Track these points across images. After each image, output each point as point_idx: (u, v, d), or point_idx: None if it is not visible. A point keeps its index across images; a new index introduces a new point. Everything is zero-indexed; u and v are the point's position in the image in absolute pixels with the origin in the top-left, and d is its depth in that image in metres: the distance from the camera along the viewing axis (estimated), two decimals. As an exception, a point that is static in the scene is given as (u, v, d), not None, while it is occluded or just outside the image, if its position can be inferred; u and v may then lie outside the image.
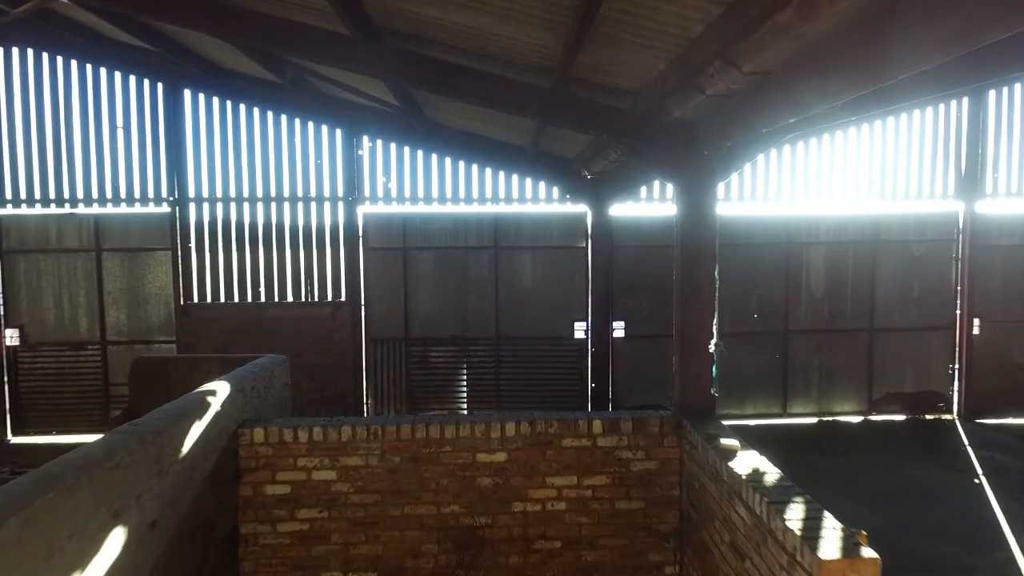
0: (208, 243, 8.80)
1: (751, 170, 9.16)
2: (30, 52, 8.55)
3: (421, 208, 8.95)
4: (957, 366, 9.20)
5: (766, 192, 9.15)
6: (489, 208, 8.97)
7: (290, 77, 7.25)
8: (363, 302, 8.90)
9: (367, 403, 8.98)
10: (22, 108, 8.59)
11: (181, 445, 3.68)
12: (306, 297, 8.88)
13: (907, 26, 2.30)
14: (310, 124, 8.80)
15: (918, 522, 5.86)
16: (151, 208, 8.79)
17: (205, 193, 8.79)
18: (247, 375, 4.80)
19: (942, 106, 9.10)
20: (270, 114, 8.76)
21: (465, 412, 9.01)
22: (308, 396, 8.80)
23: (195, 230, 8.80)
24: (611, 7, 3.44)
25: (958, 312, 9.16)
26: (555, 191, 8.99)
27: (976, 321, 9.11)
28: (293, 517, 4.49)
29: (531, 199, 9.02)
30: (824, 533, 2.80)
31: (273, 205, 8.83)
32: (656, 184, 9.00)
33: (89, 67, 8.60)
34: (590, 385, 8.98)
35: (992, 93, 9.07)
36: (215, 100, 8.73)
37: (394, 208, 8.94)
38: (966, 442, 8.24)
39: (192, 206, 8.79)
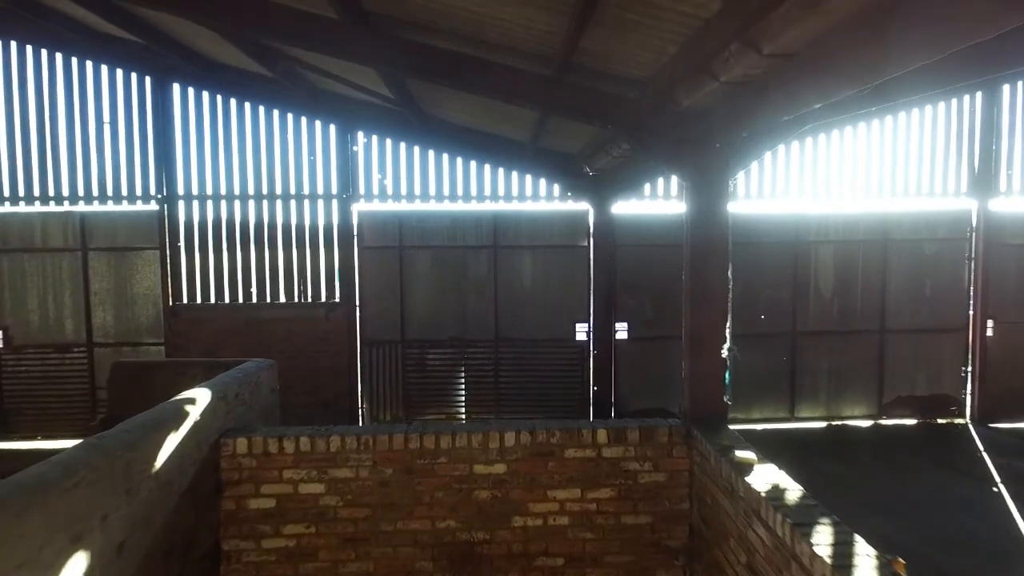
0: (198, 242, 8.52)
1: (758, 167, 8.90)
2: (13, 45, 8.27)
3: (418, 206, 8.68)
4: (970, 369, 8.93)
5: (773, 190, 8.88)
6: (488, 206, 8.70)
7: (281, 70, 6.98)
8: (358, 303, 8.63)
9: (362, 407, 8.71)
10: (5, 103, 8.31)
11: (154, 459, 3.41)
12: (299, 298, 8.61)
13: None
14: (303, 119, 8.53)
15: (937, 533, 5.59)
16: (139, 206, 8.51)
17: (195, 190, 8.51)
18: (230, 381, 4.52)
19: (954, 101, 8.83)
20: (262, 109, 8.49)
21: (463, 416, 8.74)
22: (302, 400, 8.52)
23: (184, 228, 8.52)
24: (619, -16, 3.18)
25: (971, 313, 8.90)
26: (556, 188, 8.72)
27: (990, 322, 8.85)
28: (278, 533, 4.22)
29: (531, 197, 8.75)
30: (857, 561, 2.53)
31: (265, 203, 8.55)
32: (660, 181, 8.73)
33: (75, 60, 8.32)
34: (592, 389, 8.71)
35: (1007, 88, 8.80)
36: (205, 94, 8.46)
37: (390, 206, 8.67)
38: (981, 447, 7.97)
39: (181, 204, 8.51)
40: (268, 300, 8.57)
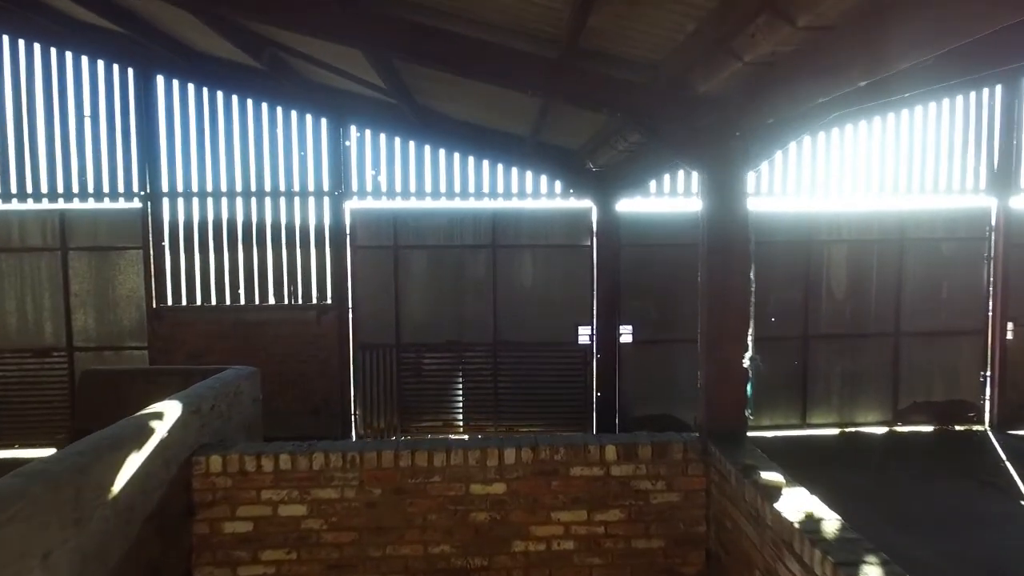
0: (183, 241, 8.15)
1: (768, 162, 8.53)
2: (-11, 34, 7.90)
3: (413, 204, 8.31)
4: (989, 373, 8.57)
5: (784, 187, 8.52)
6: (486, 204, 8.33)
7: (268, 59, 6.61)
8: (351, 305, 8.25)
9: (355, 413, 8.34)
10: (-20, 95, 7.94)
11: (110, 483, 3.04)
12: (289, 300, 8.23)
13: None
14: (293, 113, 8.16)
15: (968, 552, 5.23)
16: (121, 203, 8.13)
17: (179, 187, 8.14)
18: (205, 392, 4.15)
19: (973, 94, 8.47)
20: (250, 102, 8.11)
21: (461, 423, 8.37)
22: (292, 406, 8.16)
23: (169, 227, 8.14)
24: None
25: (990, 315, 8.53)
26: (557, 185, 8.35)
27: (1010, 325, 8.49)
28: (256, 559, 3.85)
29: (531, 194, 8.38)
30: (917, 612, 2.16)
31: (253, 200, 8.18)
32: (667, 178, 8.37)
33: (53, 51, 7.94)
34: (595, 394, 8.34)
35: (1027, 80, 8.45)
36: (190, 87, 8.08)
37: (384, 204, 8.30)
38: (1003, 456, 7.62)
39: (165, 201, 8.14)
40: (257, 302, 8.20)
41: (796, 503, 3.02)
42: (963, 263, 8.48)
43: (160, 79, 8.07)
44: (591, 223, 8.27)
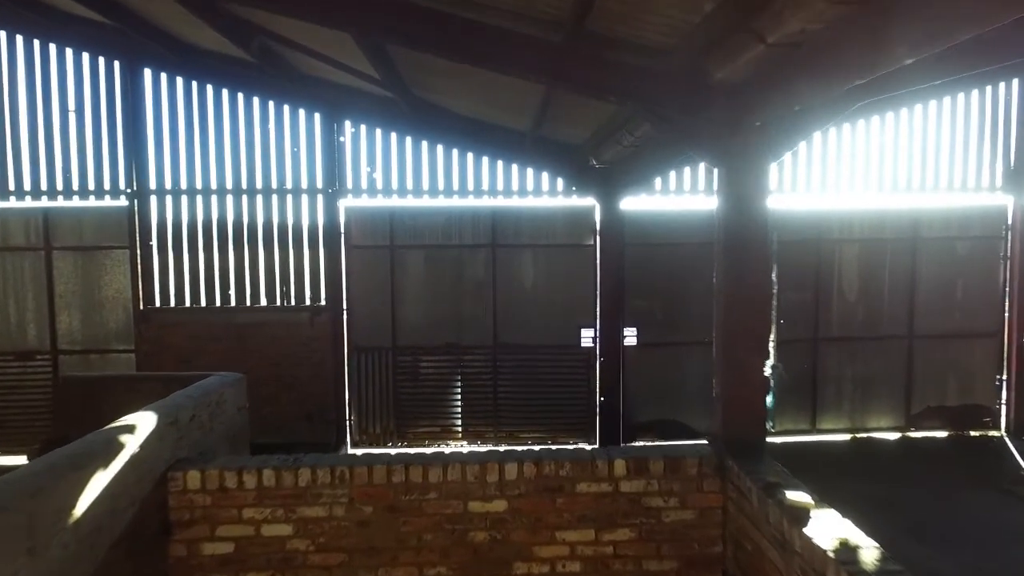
0: (171, 240, 7.86)
1: (777, 159, 8.23)
2: (-31, 26, 7.61)
3: (410, 201, 8.02)
4: (1005, 377, 8.29)
5: (794, 184, 8.24)
6: (486, 202, 8.04)
7: (258, 50, 6.33)
8: (345, 306, 7.97)
9: (350, 419, 8.05)
10: (-40, 88, 7.65)
11: (71, 506, 2.75)
12: (282, 301, 7.95)
13: None
14: (285, 108, 7.87)
15: (993, 566, 4.95)
16: (107, 201, 7.84)
17: (168, 184, 7.85)
18: (184, 402, 3.87)
19: (989, 88, 8.19)
20: (240, 96, 7.82)
21: (459, 429, 8.08)
22: (284, 411, 7.87)
23: (156, 226, 7.85)
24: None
25: (1007, 317, 8.25)
26: (559, 182, 8.07)
27: (1027, 327, 8.22)
28: (237, 583, 3.56)
29: (532, 191, 8.09)
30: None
31: (244, 198, 7.89)
32: (672, 175, 8.08)
33: (36, 43, 7.66)
34: (598, 399, 8.06)
35: (1045, 74, 8.16)
36: (179, 80, 7.79)
37: (380, 201, 8.01)
38: (1022, 463, 7.34)
39: (153, 199, 7.85)
40: (248, 303, 7.91)
41: (828, 528, 2.74)
42: (978, 263, 8.21)
43: (148, 72, 7.78)
44: (594, 221, 7.99)
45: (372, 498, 3.59)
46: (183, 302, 7.88)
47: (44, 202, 7.79)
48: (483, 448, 8.04)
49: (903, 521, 5.73)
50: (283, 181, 7.91)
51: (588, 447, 8.04)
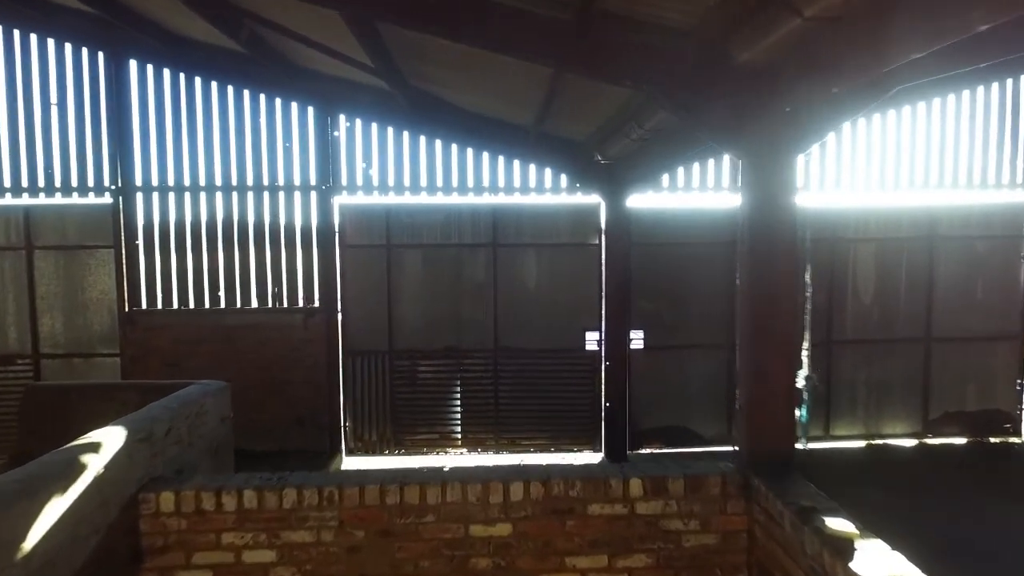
0: (158, 239, 7.53)
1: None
2: (-54, 15, 7.28)
3: (407, 199, 7.70)
4: (1026, 381, 7.99)
5: (807, 181, 7.92)
6: (486, 199, 7.72)
7: (247, 38, 6.02)
8: (340, 308, 7.64)
9: (345, 425, 7.73)
10: (-64, 81, 7.33)
11: (21, 538, 2.43)
12: (273, 302, 7.62)
13: None
14: (277, 101, 7.54)
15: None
16: (91, 199, 7.52)
17: (154, 181, 7.52)
18: (159, 414, 3.55)
19: (1010, 81, 7.88)
20: (230, 89, 7.50)
21: (458, 435, 7.76)
22: (276, 417, 7.55)
23: (143, 224, 7.53)
24: None
25: (1028, 319, 7.95)
26: (563, 179, 7.74)
27: (1049, 330, 7.91)
28: (215, 615, 3.24)
29: (535, 189, 7.77)
30: None
31: (234, 195, 7.56)
32: (681, 171, 7.76)
33: (16, 33, 7.34)
34: (603, 404, 7.74)
35: (1068, 66, 7.84)
36: (166, 72, 7.47)
37: (376, 199, 7.69)
38: (1047, 472, 7.04)
39: (139, 196, 7.52)
40: (238, 305, 7.58)
41: (877, 563, 2.42)
42: (999, 263, 7.89)
43: (133, 64, 7.46)
44: (599, 220, 7.67)
45: (364, 521, 3.27)
46: (170, 304, 7.56)
47: (25, 199, 7.47)
48: (483, 456, 7.73)
49: (931, 537, 5.37)
50: (275, 177, 7.59)
51: (596, 456, 7.73)
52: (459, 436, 7.77)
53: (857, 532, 2.61)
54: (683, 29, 3.49)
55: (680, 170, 7.74)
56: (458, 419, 7.76)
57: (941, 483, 6.76)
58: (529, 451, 7.80)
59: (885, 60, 2.41)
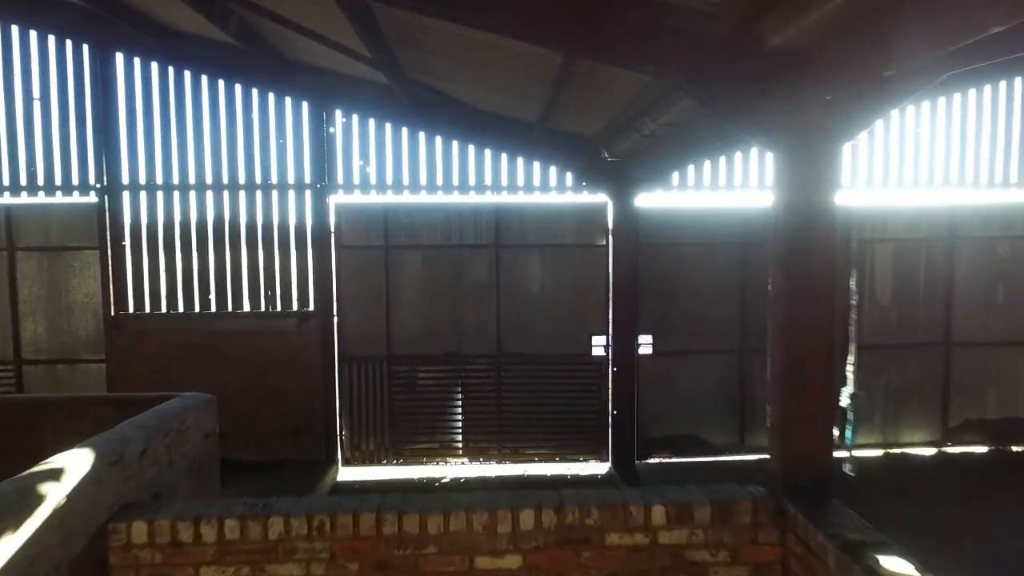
0: (146, 240, 7.21)
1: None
2: (-77, 5, 6.96)
3: (406, 198, 7.39)
4: (1050, 387, 7.69)
5: (822, 179, 7.59)
6: (489, 198, 7.41)
7: (236, 27, 5.71)
8: (336, 312, 7.33)
9: (341, 434, 7.41)
10: (-87, 74, 7.00)
11: (-40, 587, 2.11)
12: (266, 306, 7.30)
13: None
14: (270, 96, 7.23)
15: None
16: (76, 198, 7.20)
17: (142, 179, 7.21)
18: (133, 433, 3.23)
19: (1033, 76, 7.58)
20: (221, 83, 7.18)
21: (460, 445, 7.45)
22: (269, 426, 7.23)
23: (130, 224, 7.21)
24: None
25: (1052, 323, 7.65)
26: (568, 177, 7.43)
27: (1073, 334, 7.61)
28: (193, 658, 2.92)
29: (539, 187, 7.46)
30: None
31: (225, 194, 7.24)
32: (691, 169, 7.45)
33: (-3, 24, 7.02)
34: (611, 412, 7.42)
35: (1093, 60, 7.55)
36: (154, 66, 7.15)
37: (373, 198, 7.37)
38: (1074, 484, 6.73)
39: (126, 195, 7.20)
40: (230, 309, 7.27)
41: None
42: (1021, 264, 7.59)
43: (120, 57, 7.15)
44: (606, 220, 7.37)
45: (358, 553, 2.96)
46: (158, 308, 7.24)
47: (6, 198, 7.16)
48: (485, 466, 7.42)
49: (967, 556, 5.09)
50: (268, 176, 7.28)
51: (603, 466, 7.42)
52: (460, 445, 7.45)
53: (917, 573, 2.30)
54: (710, 11, 3.17)
55: (691, 168, 7.43)
56: (459, 428, 7.45)
57: (968, 495, 6.43)
58: (533, 461, 7.49)
59: (960, 35, 2.10)
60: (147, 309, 7.22)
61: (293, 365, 7.28)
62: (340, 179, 7.33)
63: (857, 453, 7.52)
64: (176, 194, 7.20)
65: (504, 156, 7.38)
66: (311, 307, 7.30)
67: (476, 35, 4.45)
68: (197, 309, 7.23)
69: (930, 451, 7.63)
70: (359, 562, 2.96)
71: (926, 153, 7.61)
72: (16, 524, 2.37)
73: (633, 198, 7.18)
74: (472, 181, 7.39)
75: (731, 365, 7.52)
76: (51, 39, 7.07)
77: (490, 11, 2.97)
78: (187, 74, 7.16)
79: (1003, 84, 7.56)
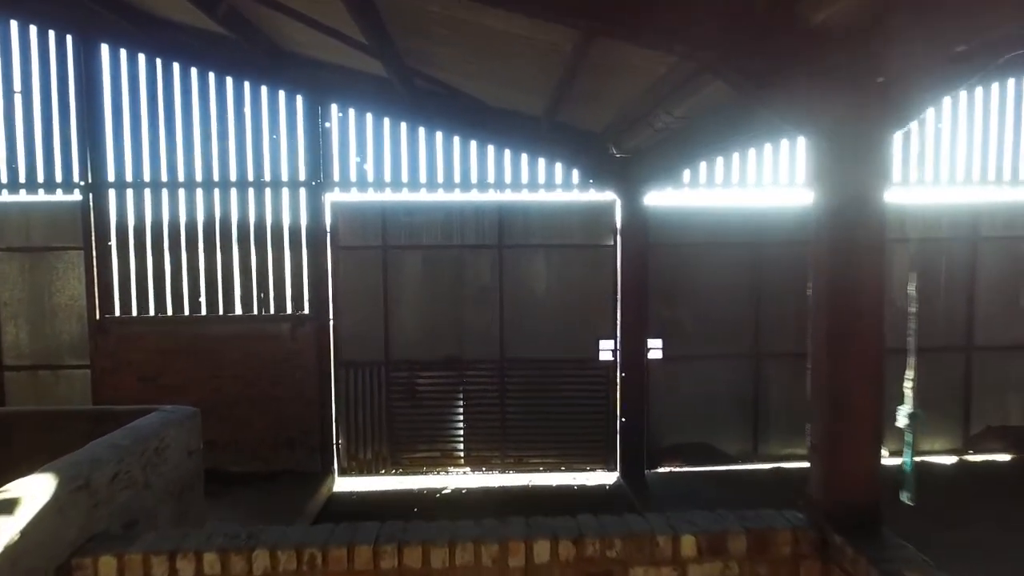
0: (133, 241, 6.89)
1: (806, 153, 7.30)
2: (-102, -6, 6.63)
3: (405, 196, 7.07)
4: (1075, 393, 7.39)
5: (838, 176, 7.30)
6: (492, 196, 7.09)
7: (225, 14, 5.39)
8: (332, 315, 7.01)
9: (337, 443, 7.09)
10: None
11: None
12: (259, 309, 6.98)
13: None
14: (263, 89, 6.90)
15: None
16: (59, 196, 6.88)
17: (128, 176, 6.88)
18: (104, 454, 2.91)
19: (1057, 69, 7.28)
20: (212, 76, 6.86)
21: (461, 454, 7.13)
22: (262, 436, 6.92)
23: (116, 224, 6.88)
24: None
25: (1078, 326, 7.36)
26: (575, 175, 7.12)
27: (1101, 337, 7.31)
28: None
29: (545, 185, 7.14)
30: None
31: (216, 192, 6.92)
32: (703, 166, 7.14)
33: (-25, 14, 6.69)
34: (619, 419, 7.11)
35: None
36: (141, 57, 6.83)
37: (371, 196, 7.06)
38: (1105, 495, 6.43)
39: (112, 193, 6.88)
40: (221, 312, 6.94)
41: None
42: (1047, 265, 7.30)
43: (105, 48, 6.82)
44: (614, 219, 7.06)
45: (353, 591, 2.64)
46: (146, 311, 6.92)
47: (-14, 197, 6.82)
48: (488, 475, 7.10)
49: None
50: (261, 173, 6.96)
51: (611, 475, 7.11)
52: (462, 454, 7.14)
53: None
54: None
55: (702, 165, 7.13)
56: (461, 436, 7.13)
57: (996, 507, 6.13)
58: (538, 470, 7.18)
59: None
60: (134, 312, 6.90)
61: (287, 371, 6.96)
62: (336, 176, 7.01)
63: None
64: (164, 192, 6.87)
65: (508, 152, 7.07)
66: (306, 310, 6.98)
67: (484, 20, 4.14)
68: (186, 312, 6.91)
69: (951, 459, 7.34)
70: (354, 601, 2.64)
71: (947, 149, 7.30)
72: (-43, 568, 2.06)
73: (642, 196, 6.88)
74: (474, 178, 7.07)
75: (744, 370, 7.21)
76: (32, 29, 6.75)
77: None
78: (175, 66, 6.84)
79: (1027, 77, 7.26)
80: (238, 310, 6.96)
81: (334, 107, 6.97)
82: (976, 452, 7.39)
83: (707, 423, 7.21)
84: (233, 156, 6.91)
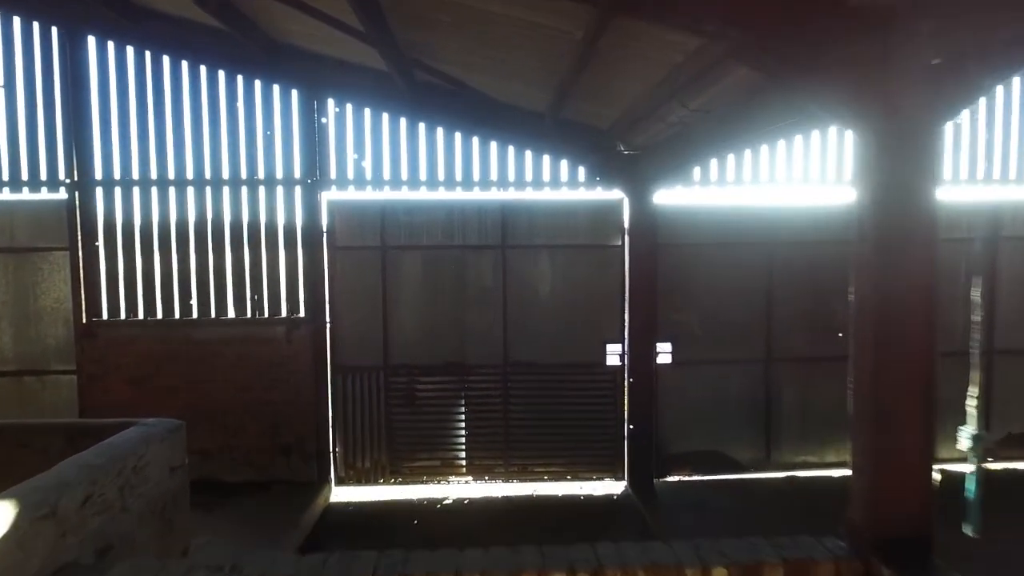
0: (121, 241, 6.62)
1: (821, 149, 7.07)
2: None
3: (405, 195, 6.81)
4: (1098, 399, 7.14)
5: (841, 175, 7.04)
6: (494, 195, 6.84)
7: (216, 5, 5.12)
8: (328, 318, 6.74)
9: (334, 452, 6.82)
10: None
11: None
12: (253, 312, 6.71)
13: None
14: (257, 83, 6.64)
15: None
16: (44, 194, 6.62)
17: (116, 174, 6.61)
18: (73, 476, 2.65)
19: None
20: (203, 70, 6.60)
21: (463, 462, 6.87)
22: (256, 444, 6.65)
23: (103, 223, 6.62)
24: None
25: (1102, 329, 7.11)
26: (581, 172, 6.87)
27: (1125, 341, 7.06)
28: None
29: (550, 183, 6.89)
30: None
31: (208, 190, 6.66)
32: (714, 163, 6.89)
33: (-43, 4, 6.42)
34: (627, 426, 6.85)
35: None
36: (129, 50, 6.56)
37: (369, 195, 6.80)
38: None
39: (99, 191, 6.61)
40: (213, 315, 6.68)
41: None
42: (1069, 266, 7.06)
43: (92, 41, 6.56)
44: (622, 218, 6.80)
45: (348, 630, 2.38)
46: (135, 314, 6.65)
47: (-32, 195, 6.55)
48: (491, 485, 6.84)
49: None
50: (254, 170, 6.69)
51: (618, 484, 6.85)
52: (463, 463, 6.87)
53: None
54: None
55: (714, 162, 6.87)
56: (462, 443, 6.87)
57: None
58: (543, 479, 6.92)
59: None
60: (123, 316, 6.63)
61: (282, 376, 6.70)
62: (333, 174, 6.75)
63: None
64: (154, 190, 6.61)
65: (511, 149, 6.81)
66: (302, 313, 6.72)
67: (490, 6, 3.89)
68: (177, 316, 6.64)
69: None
70: (349, 641, 2.38)
71: (967, 146, 7.05)
72: None
73: (651, 195, 6.63)
74: (476, 176, 6.82)
75: (757, 375, 6.96)
76: (16, 21, 6.49)
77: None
78: (166, 59, 6.58)
79: (1049, 71, 7.01)
80: (231, 313, 6.70)
81: (331, 102, 6.71)
82: (996, 460, 7.11)
83: (718, 430, 6.96)
84: (226, 153, 6.65)
